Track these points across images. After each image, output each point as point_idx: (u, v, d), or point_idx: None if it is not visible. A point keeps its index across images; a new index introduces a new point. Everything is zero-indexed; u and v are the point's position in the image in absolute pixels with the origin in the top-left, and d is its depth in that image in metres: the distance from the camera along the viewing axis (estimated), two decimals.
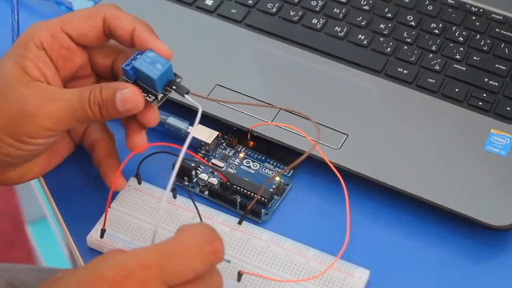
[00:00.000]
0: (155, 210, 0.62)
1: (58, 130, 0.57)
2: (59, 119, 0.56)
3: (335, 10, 0.75)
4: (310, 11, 0.75)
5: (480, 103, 0.68)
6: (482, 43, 0.72)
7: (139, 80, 0.57)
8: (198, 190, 0.64)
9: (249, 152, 0.66)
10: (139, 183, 0.63)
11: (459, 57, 0.71)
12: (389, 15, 0.74)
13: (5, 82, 0.57)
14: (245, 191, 0.63)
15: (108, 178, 0.62)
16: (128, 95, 0.56)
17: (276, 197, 0.64)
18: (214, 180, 0.64)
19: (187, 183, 0.64)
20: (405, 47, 0.72)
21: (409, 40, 0.73)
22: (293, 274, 0.59)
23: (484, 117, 0.68)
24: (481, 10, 0.75)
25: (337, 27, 0.73)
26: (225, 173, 0.64)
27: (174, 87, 0.57)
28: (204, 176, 0.64)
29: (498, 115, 0.68)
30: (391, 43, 0.72)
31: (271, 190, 0.64)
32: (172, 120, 0.66)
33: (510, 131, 0.67)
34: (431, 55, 0.71)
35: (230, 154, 0.66)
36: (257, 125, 0.65)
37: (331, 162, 0.62)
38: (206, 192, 0.64)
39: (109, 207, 0.62)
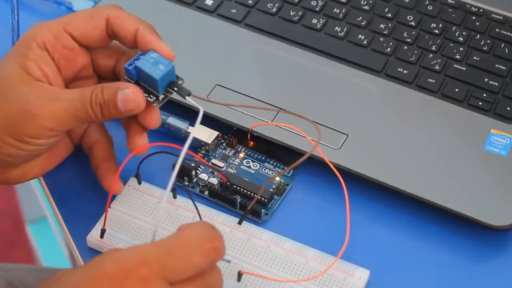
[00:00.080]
0: (155, 210, 0.62)
1: (60, 130, 0.57)
2: (60, 119, 0.56)
3: (335, 10, 0.75)
4: (310, 11, 0.74)
5: (480, 103, 0.68)
6: (482, 43, 0.72)
7: (141, 80, 0.57)
8: (198, 190, 0.64)
9: (249, 152, 0.66)
10: (139, 183, 0.63)
11: (459, 57, 0.71)
12: (389, 15, 0.74)
13: (6, 82, 0.57)
14: (245, 191, 0.63)
15: (105, 181, 0.62)
16: (129, 95, 0.56)
17: (276, 197, 0.64)
18: (214, 180, 0.64)
19: (187, 183, 0.64)
20: (405, 47, 0.72)
21: (409, 40, 0.73)
22: (293, 274, 0.59)
23: (484, 117, 0.68)
24: (481, 10, 0.75)
25: (337, 27, 0.73)
26: (225, 173, 0.64)
27: (175, 89, 0.57)
28: (204, 176, 0.64)
29: (498, 115, 0.68)
30: (391, 43, 0.72)
31: (271, 190, 0.64)
32: (172, 120, 0.66)
33: (510, 131, 0.67)
34: (431, 55, 0.71)
35: (230, 154, 0.66)
36: (257, 125, 0.65)
37: (331, 162, 0.62)
38: (206, 192, 0.64)
39: (109, 207, 0.62)
